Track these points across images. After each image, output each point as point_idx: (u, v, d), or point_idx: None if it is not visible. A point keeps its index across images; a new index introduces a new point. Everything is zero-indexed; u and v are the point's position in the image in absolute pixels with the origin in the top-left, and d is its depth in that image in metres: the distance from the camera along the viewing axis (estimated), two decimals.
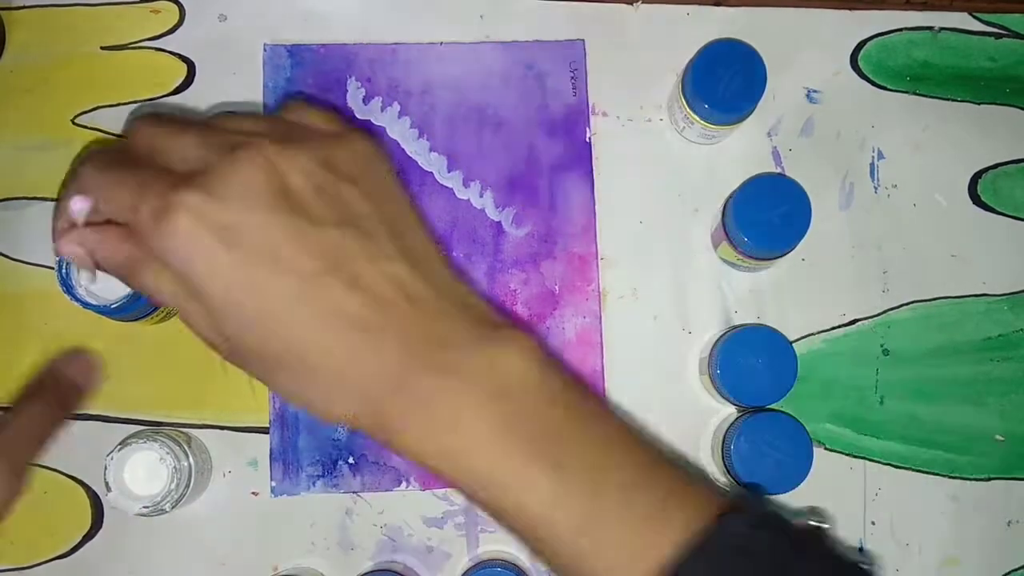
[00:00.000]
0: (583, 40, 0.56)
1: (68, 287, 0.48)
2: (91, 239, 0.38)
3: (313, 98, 0.55)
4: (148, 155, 0.38)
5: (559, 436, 0.35)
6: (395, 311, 0.35)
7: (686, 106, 0.52)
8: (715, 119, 0.51)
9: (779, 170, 0.56)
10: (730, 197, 0.52)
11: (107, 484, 0.48)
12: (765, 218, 0.50)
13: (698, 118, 0.52)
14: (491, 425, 0.34)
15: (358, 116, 0.55)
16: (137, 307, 0.49)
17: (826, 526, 0.49)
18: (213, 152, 0.36)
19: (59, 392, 0.46)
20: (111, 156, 0.39)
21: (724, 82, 0.50)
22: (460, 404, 0.35)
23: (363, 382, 0.35)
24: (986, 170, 0.57)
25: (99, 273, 0.40)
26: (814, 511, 0.52)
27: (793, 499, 0.52)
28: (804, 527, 0.41)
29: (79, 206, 0.38)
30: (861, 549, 0.54)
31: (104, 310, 0.48)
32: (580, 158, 0.55)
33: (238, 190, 0.34)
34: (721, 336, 0.53)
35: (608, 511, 0.34)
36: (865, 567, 0.37)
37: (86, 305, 0.48)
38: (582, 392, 0.37)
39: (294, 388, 0.36)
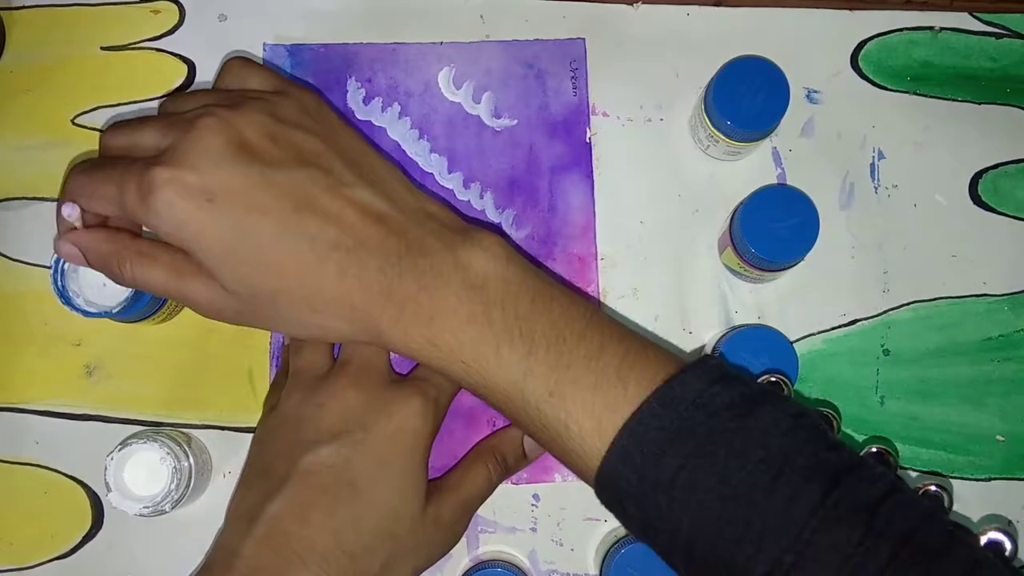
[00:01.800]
0: (583, 39, 0.56)
1: (66, 299, 0.47)
2: (83, 239, 0.44)
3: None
4: (123, 153, 0.43)
5: (526, 318, 0.41)
6: (366, 231, 0.41)
7: (709, 124, 0.52)
8: (740, 136, 0.51)
9: (779, 171, 0.56)
10: (738, 208, 0.52)
11: (107, 484, 0.48)
12: (773, 230, 0.50)
13: (722, 136, 0.51)
14: (465, 314, 0.40)
15: (358, 116, 0.55)
16: (136, 311, 0.49)
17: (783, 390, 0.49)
18: (175, 131, 0.41)
19: None
20: (92, 162, 0.44)
21: (747, 99, 0.50)
22: (437, 300, 0.41)
23: (352, 297, 0.41)
24: (986, 170, 0.57)
25: (96, 281, 0.46)
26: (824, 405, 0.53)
27: None
28: (763, 384, 0.43)
29: (68, 211, 0.43)
30: None
31: (103, 315, 0.48)
32: (580, 158, 0.55)
33: (202, 155, 0.40)
34: (721, 336, 0.53)
35: (574, 378, 0.40)
36: (823, 411, 0.41)
37: (86, 313, 0.48)
38: (545, 280, 0.43)
39: (297, 315, 0.42)
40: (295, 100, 0.44)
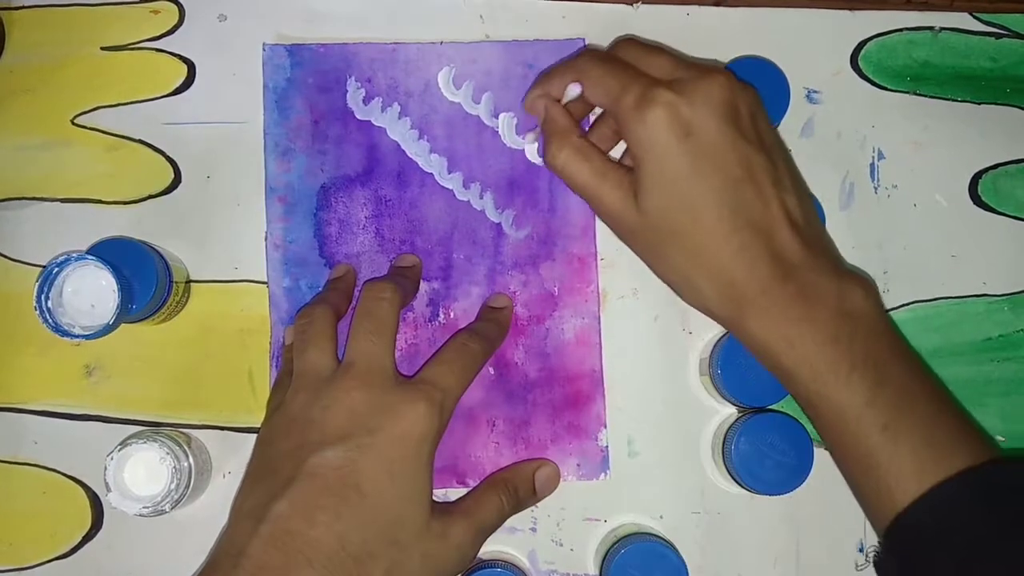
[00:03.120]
0: (583, 39, 0.56)
1: (63, 332, 0.48)
2: (554, 110, 0.49)
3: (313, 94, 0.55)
4: (632, 62, 0.48)
5: (881, 360, 0.43)
6: (780, 227, 0.45)
7: None
8: None
9: None
10: None
11: (107, 484, 0.48)
12: None
13: None
14: (829, 334, 0.43)
15: (358, 116, 0.55)
16: (130, 315, 0.49)
17: None
18: (690, 71, 0.46)
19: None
20: (605, 56, 0.49)
21: None
22: (809, 311, 0.44)
23: (739, 272, 0.44)
24: (986, 170, 0.57)
25: (83, 306, 0.48)
26: None
27: (793, 500, 0.52)
28: None
29: (575, 90, 0.49)
30: (861, 549, 0.54)
31: (101, 334, 0.48)
32: None
33: (704, 99, 0.45)
34: (722, 336, 0.53)
35: (910, 424, 0.42)
36: None
37: (87, 338, 0.48)
38: (902, 338, 0.46)
39: (679, 265, 0.46)
40: (761, 103, 0.48)
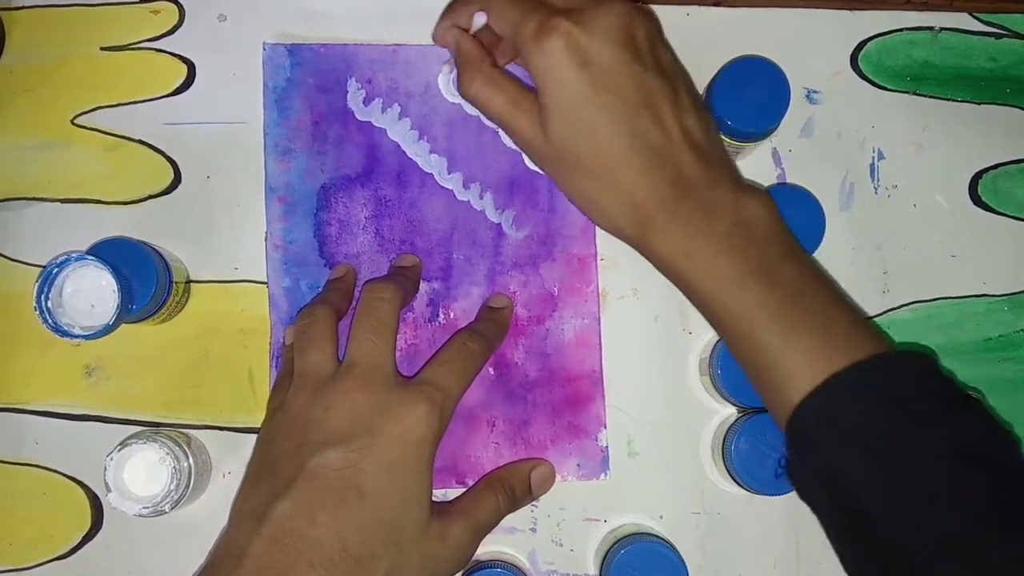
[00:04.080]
0: None
1: (63, 332, 0.47)
2: (464, 40, 0.50)
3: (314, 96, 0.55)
4: None
5: (774, 264, 0.45)
6: (679, 151, 0.46)
7: None
8: (740, 136, 0.51)
9: (779, 171, 0.56)
10: None
11: (107, 484, 0.48)
12: None
13: (723, 136, 0.51)
14: (726, 245, 0.45)
15: (358, 117, 0.55)
16: (130, 315, 0.49)
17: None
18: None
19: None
20: None
21: (747, 99, 0.50)
22: (708, 224, 0.45)
23: (640, 193, 0.46)
24: (986, 170, 0.57)
25: (83, 306, 0.48)
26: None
27: (793, 500, 0.52)
28: (967, 391, 0.46)
29: (481, 19, 0.49)
30: None
31: (101, 334, 0.48)
32: None
33: (601, 27, 0.45)
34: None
35: (801, 323, 0.43)
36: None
37: (87, 338, 0.48)
38: (798, 244, 0.47)
39: (585, 187, 0.47)
40: (661, 29, 0.49)
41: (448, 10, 0.52)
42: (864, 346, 0.43)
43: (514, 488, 0.51)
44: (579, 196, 0.48)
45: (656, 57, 0.47)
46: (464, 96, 0.49)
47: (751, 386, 0.51)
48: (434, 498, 0.46)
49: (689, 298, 0.47)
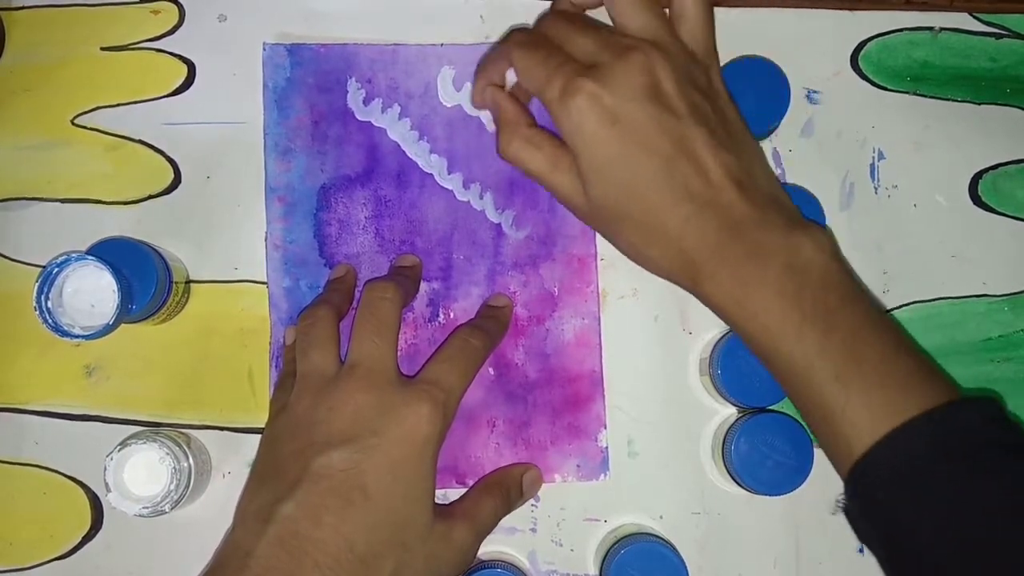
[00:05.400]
0: None
1: (63, 332, 0.47)
2: (502, 99, 0.49)
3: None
4: (557, 42, 0.48)
5: (833, 309, 0.43)
6: (724, 193, 0.45)
7: None
8: None
9: (779, 171, 0.56)
10: None
11: (107, 485, 0.48)
12: None
13: None
14: (780, 289, 0.43)
15: (358, 117, 0.55)
16: (129, 315, 0.49)
17: None
18: (609, 52, 0.46)
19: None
20: (532, 39, 0.49)
21: (747, 99, 0.50)
22: (759, 270, 0.44)
23: (687, 241, 0.45)
24: (987, 170, 0.57)
25: (83, 306, 0.48)
26: None
27: (793, 500, 0.52)
28: None
29: (512, 78, 0.49)
30: (861, 550, 0.54)
31: (101, 333, 0.48)
32: None
33: (625, 85, 0.45)
34: (722, 337, 0.53)
35: (862, 372, 0.42)
36: None
37: (87, 337, 0.48)
38: (859, 285, 0.45)
39: (633, 239, 0.47)
40: (701, 66, 0.48)
41: (481, 70, 0.51)
42: (928, 396, 0.42)
43: (509, 491, 0.51)
44: (628, 249, 0.48)
45: (687, 101, 0.45)
46: (503, 157, 0.49)
47: (753, 390, 0.51)
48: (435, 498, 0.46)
49: (746, 344, 0.46)
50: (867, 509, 0.42)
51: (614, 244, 0.48)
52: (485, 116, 0.54)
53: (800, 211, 0.47)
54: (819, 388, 0.43)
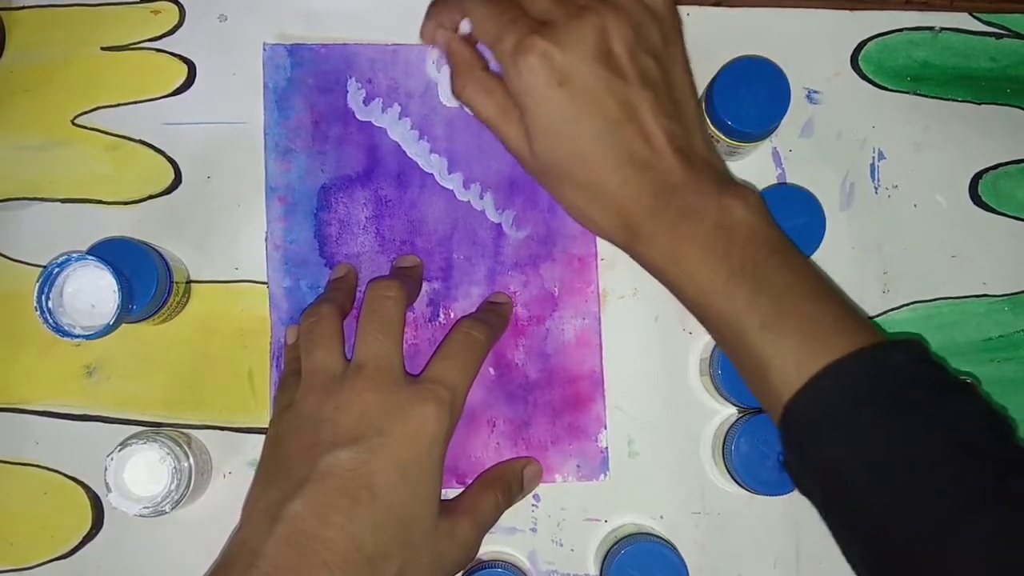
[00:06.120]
0: None
1: (64, 332, 0.47)
2: (456, 45, 0.50)
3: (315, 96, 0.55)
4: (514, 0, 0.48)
5: (759, 265, 0.45)
6: (665, 159, 0.46)
7: (710, 124, 0.52)
8: (740, 136, 0.51)
9: (779, 171, 0.56)
10: None
11: (107, 485, 0.48)
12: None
13: (723, 136, 0.51)
14: (710, 247, 0.45)
15: (359, 117, 0.55)
16: (129, 316, 0.49)
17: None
18: (562, 9, 0.46)
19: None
20: None
21: (748, 99, 0.50)
22: (691, 229, 0.45)
23: (626, 203, 0.46)
24: (987, 170, 0.57)
25: (84, 306, 0.48)
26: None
27: (793, 500, 0.52)
28: (959, 377, 0.46)
29: (467, 26, 0.49)
30: None
31: (102, 333, 0.48)
32: None
33: (576, 45, 0.45)
34: None
35: (788, 321, 0.44)
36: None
37: (87, 337, 0.48)
38: (787, 241, 0.46)
39: (573, 198, 0.47)
40: (658, 27, 0.48)
41: (432, 11, 0.51)
42: (853, 340, 0.43)
43: (510, 485, 0.51)
44: (568, 205, 0.48)
45: (636, 66, 0.46)
46: (457, 98, 0.49)
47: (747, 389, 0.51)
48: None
49: (683, 303, 0.47)
50: (799, 454, 0.44)
51: (557, 200, 0.49)
52: (432, 55, 0.54)
53: (731, 173, 0.49)
54: (749, 340, 0.44)
